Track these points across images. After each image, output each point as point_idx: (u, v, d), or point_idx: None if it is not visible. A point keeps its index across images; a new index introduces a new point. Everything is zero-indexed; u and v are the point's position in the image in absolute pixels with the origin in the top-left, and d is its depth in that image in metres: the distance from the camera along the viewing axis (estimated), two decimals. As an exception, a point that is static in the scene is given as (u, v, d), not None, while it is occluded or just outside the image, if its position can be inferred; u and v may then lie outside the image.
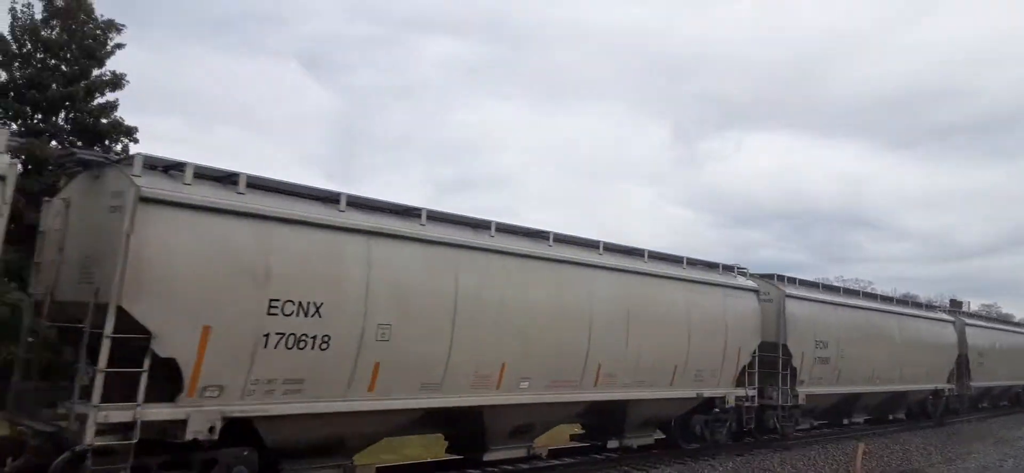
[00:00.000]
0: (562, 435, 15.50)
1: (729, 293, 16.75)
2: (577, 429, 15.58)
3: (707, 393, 16.06)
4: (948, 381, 27.62)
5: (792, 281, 19.79)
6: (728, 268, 17.35)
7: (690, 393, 15.66)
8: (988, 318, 38.21)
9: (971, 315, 32.95)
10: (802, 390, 18.76)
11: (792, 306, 18.64)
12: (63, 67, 19.97)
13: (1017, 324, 42.36)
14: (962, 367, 28.68)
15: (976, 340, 30.09)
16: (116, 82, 20.34)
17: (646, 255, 15.05)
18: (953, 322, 28.70)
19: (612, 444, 15.14)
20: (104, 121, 20.00)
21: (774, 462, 16.31)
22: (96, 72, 20.38)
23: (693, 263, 16.21)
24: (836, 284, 24.58)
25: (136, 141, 20.31)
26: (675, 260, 15.87)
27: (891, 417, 25.72)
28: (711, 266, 16.88)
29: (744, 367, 17.04)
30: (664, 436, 16.45)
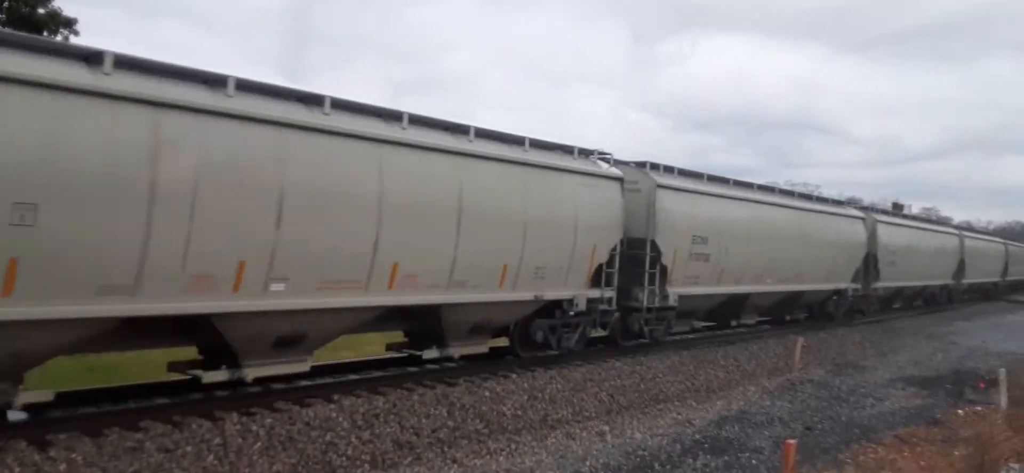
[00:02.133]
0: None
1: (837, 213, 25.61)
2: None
3: (802, 287, 25.10)
4: (952, 278, 37.53)
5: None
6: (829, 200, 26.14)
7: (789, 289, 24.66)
8: (975, 229, 48.44)
9: (969, 229, 42.82)
10: (880, 282, 27.99)
11: (881, 231, 27.60)
12: (-6, -46, 18.07)
13: (992, 233, 52.96)
14: (961, 269, 38.54)
15: (969, 246, 39.99)
16: None
17: (734, 182, 23.67)
18: (956, 234, 38.45)
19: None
20: (41, 11, 18.80)
21: (718, 355, 18.24)
22: (30, -42, 18.55)
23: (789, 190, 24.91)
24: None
25: (77, 33, 19.19)
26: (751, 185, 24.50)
27: (915, 304, 35.49)
28: (814, 198, 25.59)
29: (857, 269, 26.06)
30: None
